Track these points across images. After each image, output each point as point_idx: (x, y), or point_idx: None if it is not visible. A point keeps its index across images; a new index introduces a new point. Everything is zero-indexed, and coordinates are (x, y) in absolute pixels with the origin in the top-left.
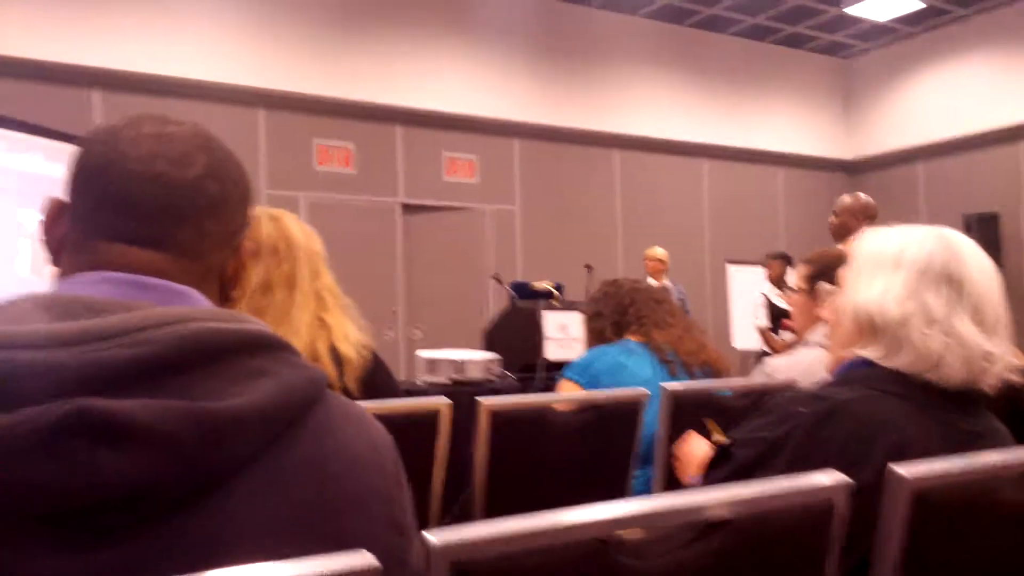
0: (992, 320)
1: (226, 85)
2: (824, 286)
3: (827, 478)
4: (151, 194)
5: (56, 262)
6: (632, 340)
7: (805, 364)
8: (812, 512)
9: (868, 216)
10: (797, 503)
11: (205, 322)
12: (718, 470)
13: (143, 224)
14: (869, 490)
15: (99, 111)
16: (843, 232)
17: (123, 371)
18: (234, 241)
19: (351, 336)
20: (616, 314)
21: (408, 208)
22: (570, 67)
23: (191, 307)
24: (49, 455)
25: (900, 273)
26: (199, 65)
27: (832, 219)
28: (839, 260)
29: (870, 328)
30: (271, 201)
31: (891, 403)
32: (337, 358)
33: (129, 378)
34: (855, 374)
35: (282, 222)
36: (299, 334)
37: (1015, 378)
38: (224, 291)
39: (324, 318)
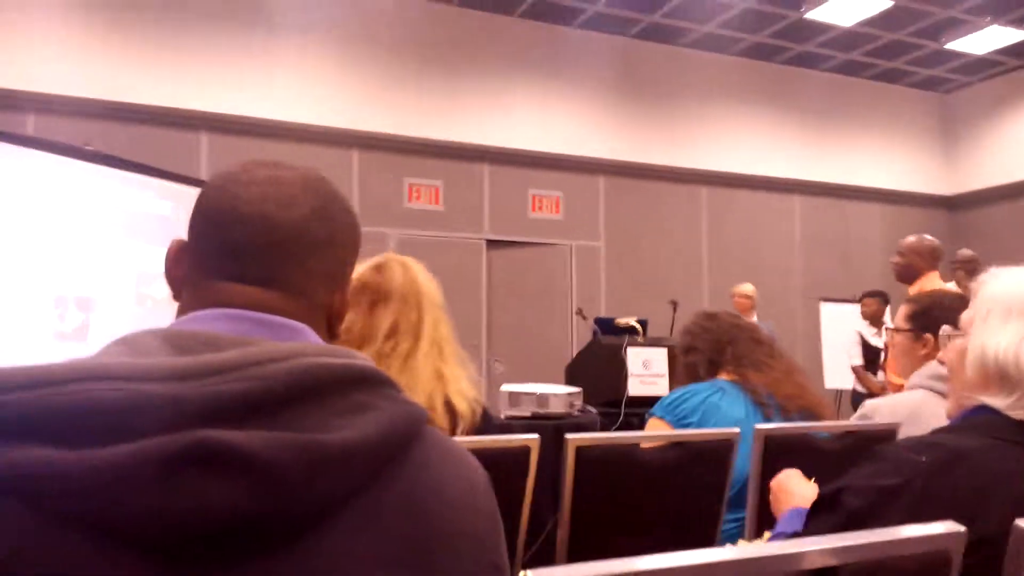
0: None
1: (322, 128)
2: (946, 329)
3: (943, 527)
4: (258, 234)
5: (177, 298)
6: (724, 379)
7: (909, 407)
8: (926, 563)
9: (935, 258)
10: (910, 553)
11: (316, 357)
12: (823, 517)
13: (251, 263)
14: (993, 544)
15: (206, 153)
16: (909, 274)
17: (238, 404)
18: (341, 279)
19: (465, 391)
20: (713, 352)
21: (493, 244)
22: (655, 104)
23: (303, 343)
24: (168, 486)
25: None
26: (298, 109)
27: (897, 259)
28: (948, 300)
29: (999, 377)
30: (363, 238)
31: (1016, 453)
32: (452, 411)
33: (243, 410)
34: (977, 421)
35: (411, 271)
36: (420, 383)
37: None
38: (331, 327)
39: (442, 370)
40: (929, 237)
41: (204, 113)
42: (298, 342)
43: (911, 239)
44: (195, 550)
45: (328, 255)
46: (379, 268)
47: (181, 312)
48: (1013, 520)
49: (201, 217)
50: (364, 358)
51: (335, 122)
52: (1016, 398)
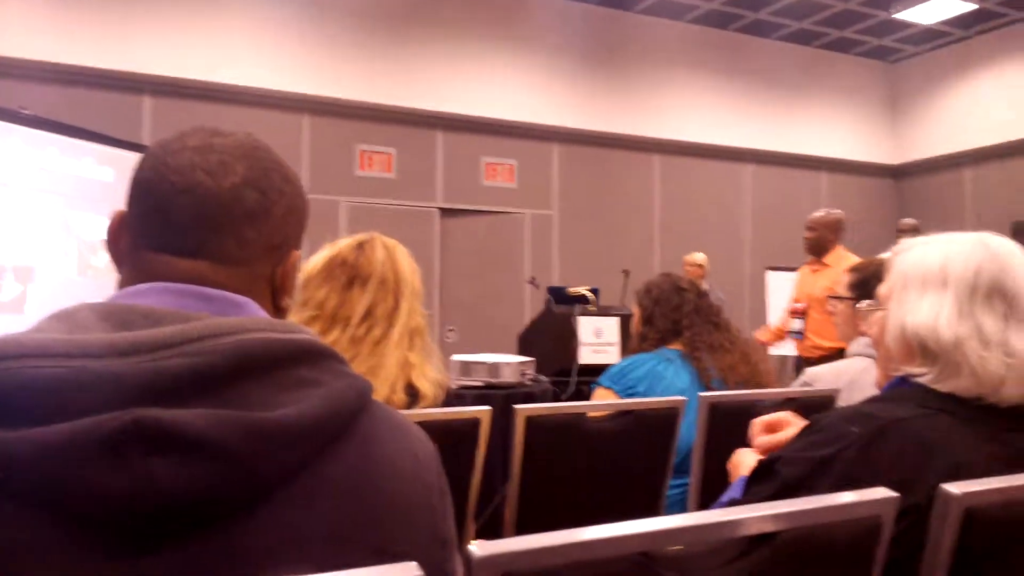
0: None
1: (272, 92)
2: (866, 303)
3: (876, 494)
4: (187, 205)
5: (119, 271)
6: (671, 348)
7: (849, 375)
8: (860, 528)
9: (842, 229)
10: (845, 518)
11: (260, 332)
12: (760, 486)
13: (181, 234)
14: (921, 511)
15: (149, 117)
16: (820, 247)
17: (179, 381)
18: (284, 250)
19: (429, 374)
20: (668, 332)
21: (446, 212)
22: (610, 72)
23: (246, 317)
24: (107, 464)
25: (949, 292)
26: (246, 72)
27: (809, 234)
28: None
29: (920, 349)
30: (312, 205)
31: (945, 422)
32: (412, 393)
33: (184, 388)
34: (903, 392)
35: (394, 254)
36: (387, 370)
37: None
38: (277, 300)
39: (409, 358)
40: (836, 211)
41: (147, 76)
42: (241, 316)
43: (820, 214)
44: (140, 528)
45: (266, 225)
46: (361, 246)
47: (120, 285)
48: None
49: (134, 187)
50: (308, 331)
51: (285, 86)
52: (939, 370)
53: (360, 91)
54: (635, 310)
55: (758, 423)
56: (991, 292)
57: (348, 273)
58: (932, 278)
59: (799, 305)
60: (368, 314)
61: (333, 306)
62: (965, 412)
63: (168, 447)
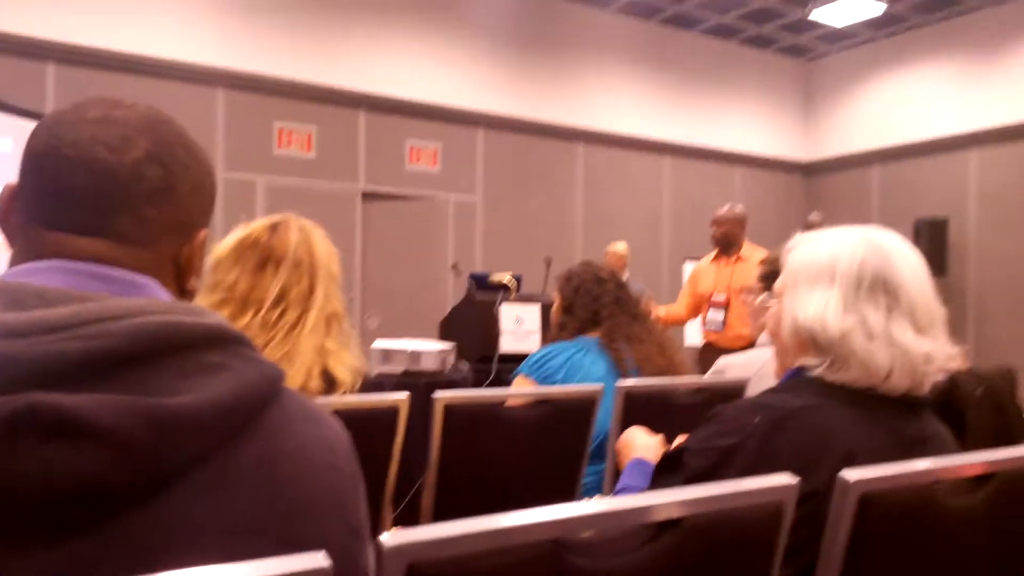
0: (927, 320)
1: (185, 63)
2: (762, 297)
3: (777, 480)
4: (85, 181)
5: (11, 248)
6: (589, 337)
7: (758, 364)
8: (763, 513)
9: (746, 224)
10: (748, 504)
11: (162, 315)
12: (667, 477)
13: (79, 212)
14: (819, 497)
15: (52, 85)
16: (728, 241)
17: (75, 364)
18: (190, 230)
19: (347, 361)
20: (587, 322)
21: (368, 195)
22: (537, 59)
23: (147, 299)
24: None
25: (836, 286)
26: (157, 42)
27: (716, 229)
28: None
29: (813, 343)
30: (227, 185)
31: (839, 410)
32: (329, 380)
33: (82, 372)
34: (799, 382)
35: (310, 236)
36: (302, 356)
37: (952, 365)
38: (181, 282)
39: (325, 345)
40: (739, 205)
41: (51, 42)
42: (142, 298)
43: (725, 210)
44: (35, 518)
45: (169, 203)
46: (274, 227)
47: (12, 263)
48: (837, 473)
49: (27, 160)
50: (216, 316)
51: (199, 58)
52: (830, 361)
53: (279, 66)
54: (555, 298)
55: None
56: (875, 286)
57: (260, 255)
58: (821, 274)
59: (720, 298)
60: (281, 298)
61: (244, 289)
62: (858, 401)
63: (65, 434)
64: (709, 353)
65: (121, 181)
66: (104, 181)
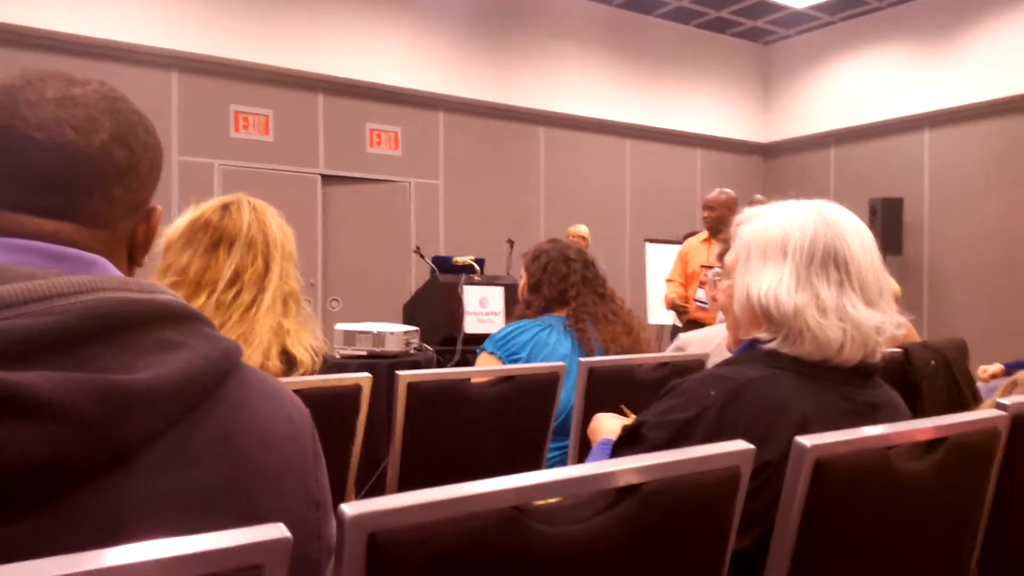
0: (876, 291)
1: (137, 46)
2: (714, 271)
3: (734, 446)
4: (55, 164)
5: None
6: (553, 316)
7: (717, 340)
8: (719, 478)
9: (736, 208)
10: (705, 470)
11: (114, 292)
12: (627, 450)
13: (46, 195)
14: (776, 465)
15: None
16: (721, 223)
17: (25, 342)
18: (144, 206)
19: (305, 340)
20: (555, 301)
21: (328, 179)
22: (499, 42)
23: (99, 276)
24: None
25: (788, 261)
26: (110, 24)
27: (708, 213)
28: None
29: (766, 318)
30: (183, 168)
31: (792, 380)
32: (288, 360)
33: (32, 349)
34: (753, 354)
35: (263, 215)
36: (259, 337)
37: (899, 333)
38: (134, 258)
39: (283, 324)
40: (728, 190)
41: None
42: (93, 275)
43: (715, 194)
44: None
45: (132, 182)
46: (226, 207)
47: None
48: (792, 442)
49: None
50: (170, 293)
51: (152, 40)
52: (783, 335)
53: (235, 49)
54: (522, 276)
55: None
56: (826, 261)
57: (212, 236)
58: (773, 248)
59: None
60: (235, 279)
61: (196, 271)
62: (811, 371)
63: (13, 411)
64: (695, 328)
65: (91, 163)
66: (75, 164)
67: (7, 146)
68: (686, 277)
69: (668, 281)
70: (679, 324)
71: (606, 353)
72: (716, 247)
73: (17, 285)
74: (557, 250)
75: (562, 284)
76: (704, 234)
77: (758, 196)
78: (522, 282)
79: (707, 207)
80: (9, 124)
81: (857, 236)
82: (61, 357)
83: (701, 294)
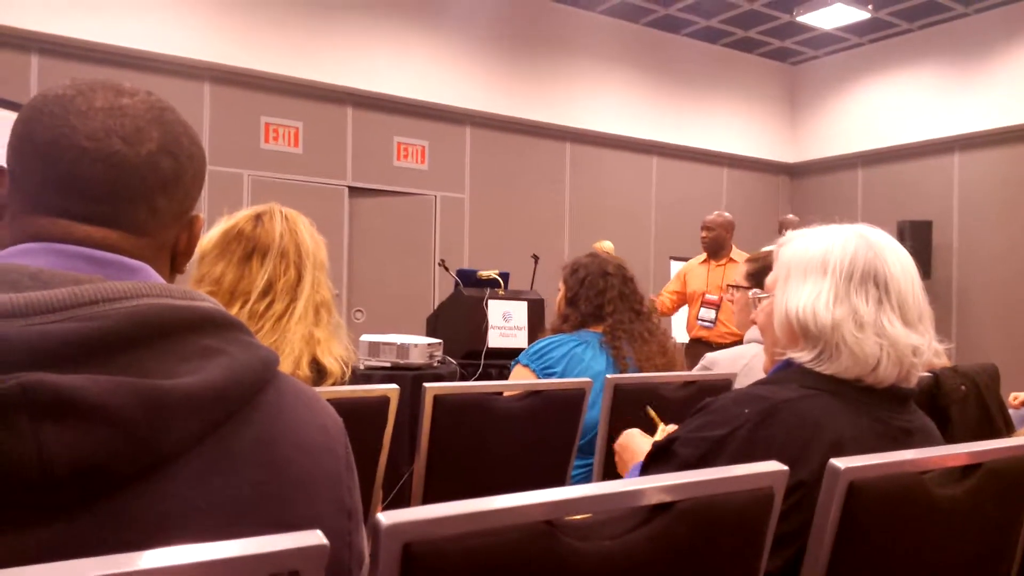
0: (915, 314)
1: (172, 57)
2: (754, 292)
3: (768, 466)
4: (103, 173)
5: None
6: (590, 331)
7: (745, 360)
8: (753, 498)
9: (734, 229)
10: (739, 490)
11: (158, 298)
12: (658, 467)
13: (93, 203)
14: (809, 486)
15: (36, 78)
16: (717, 245)
17: (71, 345)
18: (187, 215)
19: (335, 351)
20: (591, 316)
21: (355, 191)
22: (526, 58)
23: (142, 282)
24: None
25: (828, 278)
26: (144, 35)
27: (707, 234)
28: None
29: (804, 333)
30: (213, 178)
31: (827, 401)
32: (319, 369)
33: (77, 353)
34: (788, 374)
35: (296, 225)
36: (291, 345)
37: (937, 361)
38: (175, 264)
39: (315, 333)
40: (726, 213)
41: (36, 33)
42: (137, 281)
43: (713, 216)
44: (28, 498)
45: (177, 192)
46: (259, 217)
47: (1, 247)
48: (826, 463)
49: (30, 146)
50: (211, 300)
51: (186, 52)
52: (819, 351)
53: (266, 61)
54: (560, 288)
55: None
56: (866, 279)
57: (245, 246)
58: (813, 266)
59: (713, 297)
60: (268, 288)
61: (231, 281)
62: (845, 392)
63: (58, 413)
64: (698, 348)
65: (138, 173)
66: (122, 174)
67: (58, 156)
68: (681, 296)
69: (661, 293)
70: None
71: (639, 368)
72: (716, 268)
73: (64, 290)
74: (596, 264)
75: (599, 299)
76: (702, 256)
77: (791, 216)
78: (559, 295)
79: (705, 228)
80: (58, 133)
81: (898, 260)
82: (105, 361)
83: (704, 313)
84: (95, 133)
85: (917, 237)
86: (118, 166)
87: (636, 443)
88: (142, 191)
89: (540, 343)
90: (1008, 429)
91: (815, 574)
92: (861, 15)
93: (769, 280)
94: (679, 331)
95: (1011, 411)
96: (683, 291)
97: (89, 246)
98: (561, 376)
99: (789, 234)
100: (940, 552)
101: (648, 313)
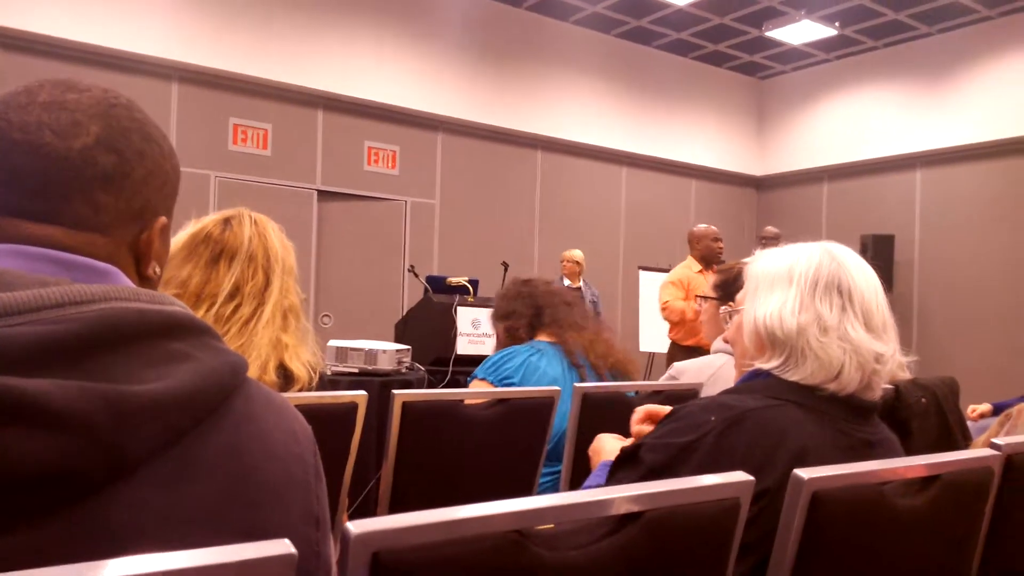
0: (879, 323)
1: (139, 55)
2: (725, 308)
3: (734, 476)
4: (31, 166)
5: None
6: (542, 340)
7: (712, 369)
8: (720, 508)
9: (720, 240)
10: (706, 500)
11: (126, 302)
12: (627, 472)
13: (28, 198)
14: (773, 494)
15: None
16: (714, 254)
17: (36, 349)
18: (148, 216)
19: (303, 356)
20: (532, 316)
21: (325, 195)
22: (499, 66)
23: (111, 285)
24: None
25: (793, 287)
26: (111, 33)
27: (721, 244)
28: None
29: (771, 341)
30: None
31: (792, 412)
32: (286, 375)
33: (42, 357)
34: (754, 384)
35: (264, 229)
36: (258, 350)
37: (901, 374)
38: (140, 268)
39: (282, 338)
40: (712, 226)
41: None
42: (104, 284)
43: (702, 228)
44: None
45: (124, 189)
46: (227, 221)
47: None
48: (790, 472)
49: None
50: (180, 304)
51: (154, 50)
52: (785, 357)
53: (235, 62)
54: (497, 327)
55: (641, 410)
56: (829, 288)
57: (213, 249)
58: (780, 277)
59: None
60: (235, 292)
61: (197, 284)
62: (811, 402)
63: (21, 418)
64: (694, 354)
65: (69, 167)
66: (51, 167)
67: None
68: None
69: (667, 302)
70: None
71: (587, 358)
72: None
73: (29, 292)
74: (512, 282)
75: (531, 300)
76: (695, 266)
77: (770, 228)
78: (500, 331)
79: (719, 239)
80: None
81: (861, 272)
82: (71, 366)
83: None
84: (27, 126)
85: (879, 251)
86: (46, 158)
87: (605, 443)
88: (77, 185)
89: (495, 356)
90: (966, 442)
91: None
92: (828, 32)
93: (740, 295)
94: (651, 342)
95: (970, 424)
96: (688, 299)
97: (41, 245)
98: (519, 384)
99: (757, 252)
100: (900, 561)
101: (578, 302)
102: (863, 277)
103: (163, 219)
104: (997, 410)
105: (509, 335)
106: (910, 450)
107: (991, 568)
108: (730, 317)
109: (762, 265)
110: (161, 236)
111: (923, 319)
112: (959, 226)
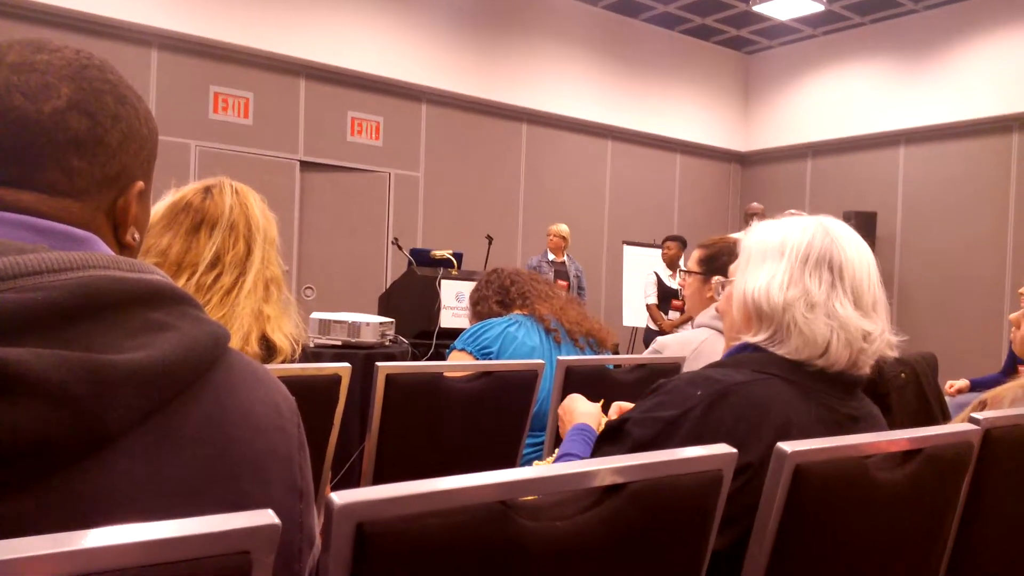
0: (869, 301)
1: (118, 21)
2: (718, 279)
3: (717, 449)
4: (2, 131)
5: None
6: (518, 313)
7: (694, 344)
8: (703, 480)
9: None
10: (689, 472)
11: (105, 270)
12: (613, 446)
13: (0, 163)
14: (757, 467)
15: None
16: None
17: (13, 317)
18: (125, 182)
19: (285, 328)
20: (500, 293)
21: (307, 166)
22: (485, 37)
23: (90, 253)
24: None
25: (784, 261)
26: None
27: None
28: (735, 247)
29: (757, 315)
30: (160, 147)
31: (777, 386)
32: (268, 346)
33: (19, 325)
34: (741, 358)
35: (246, 199)
36: (239, 321)
37: (889, 353)
38: (119, 235)
39: (263, 309)
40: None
41: None
42: (83, 252)
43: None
44: None
45: (98, 154)
46: (207, 190)
47: None
48: (774, 445)
49: None
50: (160, 273)
51: (133, 16)
52: (772, 332)
53: (216, 29)
54: (472, 320)
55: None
56: (820, 263)
57: (193, 218)
58: (771, 251)
59: None
60: (216, 261)
61: (177, 253)
62: (796, 377)
63: (3, 388)
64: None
65: (40, 131)
66: (22, 131)
67: None
68: None
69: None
70: (653, 327)
71: (561, 324)
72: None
73: (6, 259)
74: (484, 275)
75: (499, 280)
76: None
77: (755, 204)
78: (473, 311)
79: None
80: None
81: (855, 249)
82: (48, 334)
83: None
84: None
85: (862, 228)
86: (16, 122)
87: (576, 404)
88: (49, 150)
89: (473, 327)
90: (944, 416)
91: (761, 553)
92: (816, 7)
93: (731, 268)
94: (634, 317)
95: (947, 399)
96: None
97: (14, 210)
98: (498, 355)
99: (754, 224)
100: (880, 533)
101: (543, 277)
102: (856, 253)
103: (140, 183)
104: (974, 386)
105: (480, 317)
106: (890, 424)
107: (968, 539)
108: (723, 288)
109: (756, 237)
110: (139, 201)
111: (903, 295)
112: (941, 203)
